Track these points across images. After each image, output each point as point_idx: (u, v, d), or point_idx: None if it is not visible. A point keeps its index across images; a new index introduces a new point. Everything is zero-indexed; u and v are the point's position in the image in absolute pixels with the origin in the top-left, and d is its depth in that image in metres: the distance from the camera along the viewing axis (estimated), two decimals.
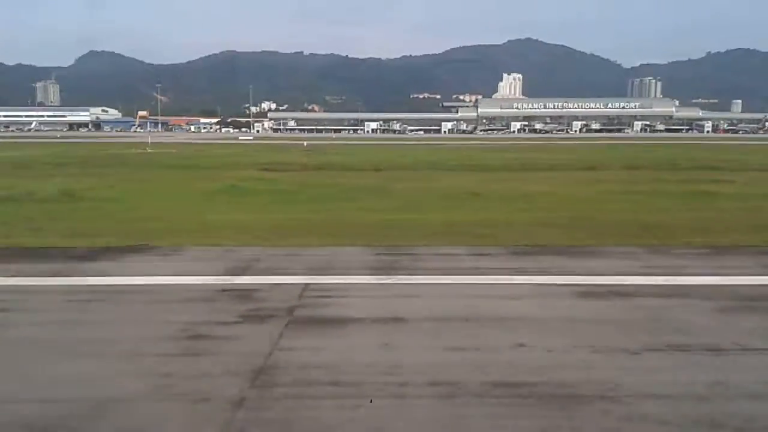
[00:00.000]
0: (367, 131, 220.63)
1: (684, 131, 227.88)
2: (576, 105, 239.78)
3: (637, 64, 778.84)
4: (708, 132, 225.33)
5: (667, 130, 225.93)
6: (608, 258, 14.19)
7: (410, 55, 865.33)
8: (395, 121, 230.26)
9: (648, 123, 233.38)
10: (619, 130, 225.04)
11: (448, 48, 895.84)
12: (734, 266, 13.32)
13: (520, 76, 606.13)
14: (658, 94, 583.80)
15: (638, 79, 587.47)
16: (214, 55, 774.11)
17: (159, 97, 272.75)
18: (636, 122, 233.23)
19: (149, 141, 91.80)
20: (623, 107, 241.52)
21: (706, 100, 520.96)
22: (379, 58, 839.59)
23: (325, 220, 20.06)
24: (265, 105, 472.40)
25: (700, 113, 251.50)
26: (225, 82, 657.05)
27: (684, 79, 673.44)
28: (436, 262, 13.46)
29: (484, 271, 12.62)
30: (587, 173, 42.01)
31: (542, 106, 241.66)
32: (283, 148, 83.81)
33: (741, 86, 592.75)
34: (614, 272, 12.57)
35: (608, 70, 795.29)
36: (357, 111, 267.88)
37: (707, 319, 9.76)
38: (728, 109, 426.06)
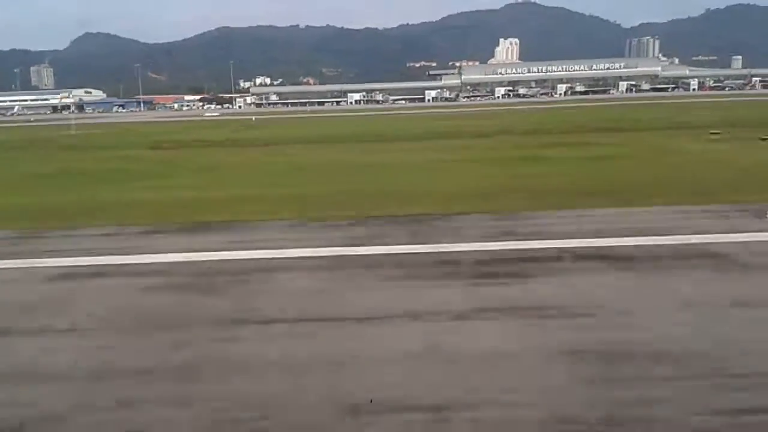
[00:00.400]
0: (351, 102, 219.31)
1: (670, 89, 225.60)
2: (560, 68, 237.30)
3: (637, 24, 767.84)
4: (694, 90, 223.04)
5: (653, 89, 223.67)
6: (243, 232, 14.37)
7: (407, 24, 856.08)
8: (378, 92, 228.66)
9: (633, 83, 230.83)
10: (605, 91, 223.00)
11: (446, 15, 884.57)
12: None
13: (516, 40, 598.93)
14: (657, 53, 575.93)
15: (636, 39, 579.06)
16: (209, 31, 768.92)
17: (145, 76, 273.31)
18: (621, 83, 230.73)
19: (95, 122, 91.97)
20: (608, 68, 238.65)
21: (706, 57, 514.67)
22: (376, 28, 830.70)
23: (76, 201, 20.33)
24: (259, 80, 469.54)
25: (687, 71, 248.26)
26: (220, 59, 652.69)
27: (684, 36, 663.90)
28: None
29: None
30: (471, 140, 41.89)
31: (526, 71, 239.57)
32: (227, 124, 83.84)
33: (741, 42, 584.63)
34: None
35: (608, 30, 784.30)
36: (353, 83, 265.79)
37: None
38: (728, 66, 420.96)
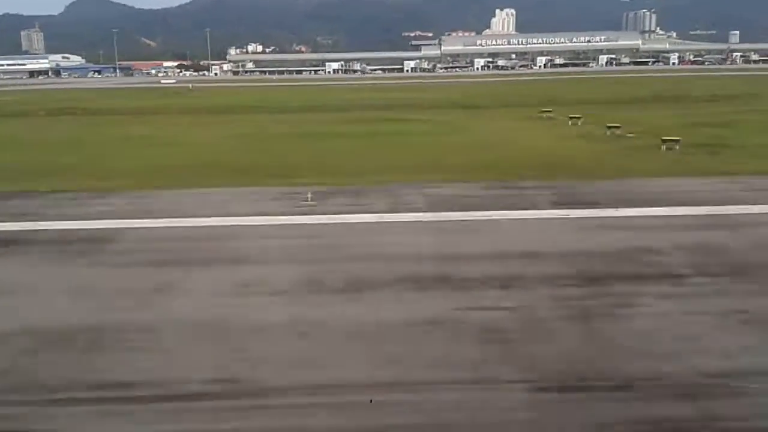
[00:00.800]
0: (328, 72, 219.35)
1: (651, 63, 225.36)
2: (540, 41, 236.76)
3: None
4: (674, 64, 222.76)
5: (634, 63, 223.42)
6: None
7: None
8: (356, 61, 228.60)
9: (613, 56, 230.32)
10: (585, 65, 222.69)
11: None
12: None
13: (513, 11, 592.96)
14: (653, 26, 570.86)
15: (633, 12, 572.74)
16: None
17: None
18: (601, 56, 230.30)
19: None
20: (588, 41, 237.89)
21: (705, 32, 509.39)
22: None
23: None
24: (251, 47, 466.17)
25: (667, 45, 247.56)
26: (214, 25, 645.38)
27: (682, 10, 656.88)
28: None
29: None
30: (332, 114, 43.82)
31: (506, 43, 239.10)
32: (165, 91, 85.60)
33: (740, 16, 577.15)
34: None
35: (608, 2, 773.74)
36: (344, 51, 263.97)
37: None
38: (726, 40, 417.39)
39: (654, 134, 28.06)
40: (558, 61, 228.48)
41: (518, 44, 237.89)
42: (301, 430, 6.92)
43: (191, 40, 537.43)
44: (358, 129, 32.32)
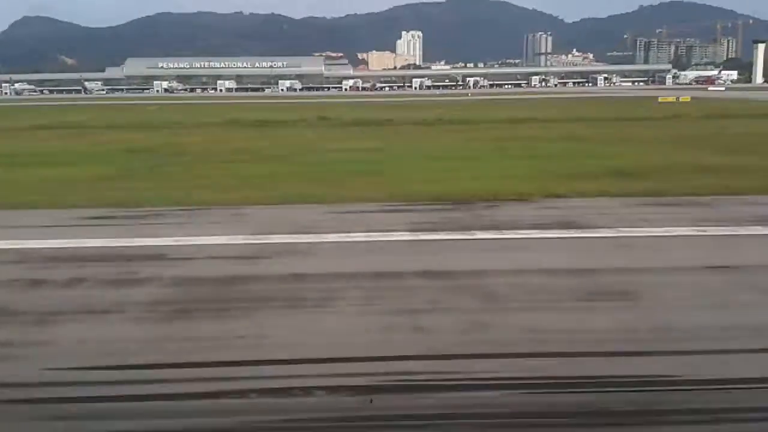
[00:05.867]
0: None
1: (326, 89, 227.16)
2: (224, 64, 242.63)
3: (579, 19, 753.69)
4: (345, 89, 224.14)
5: (307, 89, 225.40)
6: None
7: (355, 14, 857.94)
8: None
9: (293, 81, 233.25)
10: (261, 89, 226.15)
11: (392, 6, 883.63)
12: None
13: (419, 33, 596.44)
14: (548, 49, 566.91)
15: (531, 35, 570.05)
16: (150, 16, 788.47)
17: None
18: (281, 81, 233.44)
19: None
20: (271, 66, 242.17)
21: (620, 53, 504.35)
22: (324, 17, 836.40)
23: None
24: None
25: (351, 72, 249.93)
26: (148, 43, 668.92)
27: (619, 32, 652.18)
28: None
29: None
30: None
31: (188, 66, 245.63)
32: None
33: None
34: None
35: (550, 24, 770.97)
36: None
37: None
38: (633, 62, 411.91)
39: None
40: (229, 85, 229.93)
41: (203, 67, 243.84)
42: None
43: (115, 57, 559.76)
44: None
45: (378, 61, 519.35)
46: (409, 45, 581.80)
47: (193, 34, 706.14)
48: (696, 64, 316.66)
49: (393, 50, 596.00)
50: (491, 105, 77.90)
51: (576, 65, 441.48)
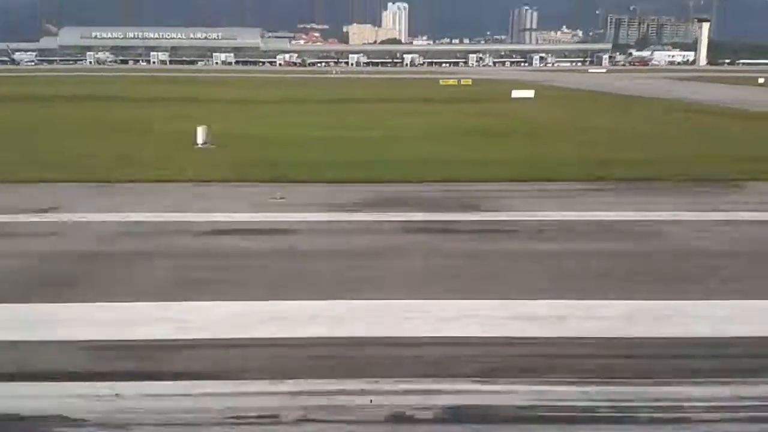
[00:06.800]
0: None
1: (260, 63, 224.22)
2: (158, 35, 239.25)
3: None
4: (280, 64, 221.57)
5: (240, 62, 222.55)
6: None
7: None
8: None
9: (228, 54, 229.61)
10: (193, 62, 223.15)
11: None
12: None
13: (405, 5, 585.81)
14: (534, 25, 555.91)
15: (517, 9, 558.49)
16: None
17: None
18: (216, 54, 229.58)
19: None
20: (205, 37, 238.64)
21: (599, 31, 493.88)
22: None
23: None
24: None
25: (288, 45, 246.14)
26: (144, 11, 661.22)
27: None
28: None
29: None
30: None
31: (122, 36, 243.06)
32: None
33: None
34: None
35: None
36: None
37: None
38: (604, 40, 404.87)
39: None
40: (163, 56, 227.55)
41: (136, 37, 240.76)
42: None
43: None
44: None
45: (359, 35, 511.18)
46: (395, 17, 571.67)
47: (188, 2, 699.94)
48: (663, 44, 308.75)
49: (378, 23, 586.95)
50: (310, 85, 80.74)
51: (563, 42, 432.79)
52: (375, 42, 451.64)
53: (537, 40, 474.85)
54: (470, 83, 74.31)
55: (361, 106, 44.10)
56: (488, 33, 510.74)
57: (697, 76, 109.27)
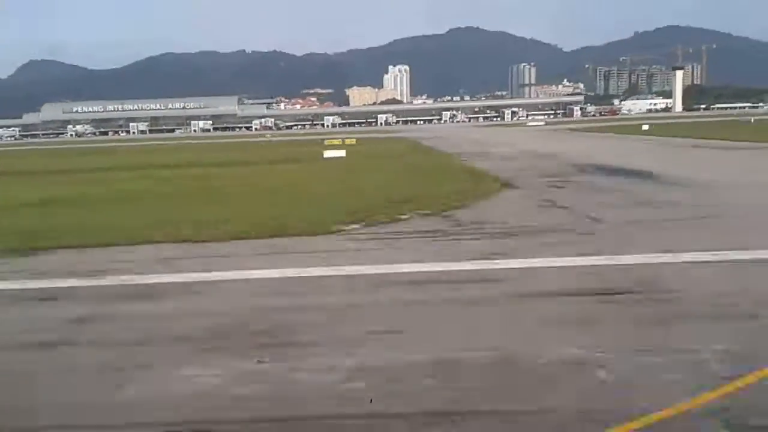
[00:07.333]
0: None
1: (237, 129, 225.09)
2: (137, 106, 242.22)
3: (577, 47, 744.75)
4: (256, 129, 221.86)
5: (220, 129, 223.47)
6: None
7: (357, 49, 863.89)
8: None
9: (206, 121, 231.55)
10: (172, 131, 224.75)
11: (392, 40, 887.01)
12: None
13: (407, 68, 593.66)
14: (532, 80, 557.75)
15: (515, 66, 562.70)
16: (153, 57, 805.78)
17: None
18: (193, 121, 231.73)
19: None
20: (184, 107, 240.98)
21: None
22: (326, 53, 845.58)
23: None
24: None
25: (265, 111, 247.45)
26: (145, 84, 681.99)
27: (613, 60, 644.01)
28: None
29: None
30: None
31: (102, 109, 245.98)
32: None
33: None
34: None
35: (548, 53, 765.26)
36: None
37: None
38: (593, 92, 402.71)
39: None
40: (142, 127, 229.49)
41: (116, 110, 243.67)
42: None
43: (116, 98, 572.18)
44: None
45: (359, 97, 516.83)
46: (396, 79, 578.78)
47: (194, 74, 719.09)
48: (652, 93, 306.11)
49: (381, 85, 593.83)
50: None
51: (562, 96, 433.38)
52: (375, 103, 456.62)
53: (537, 94, 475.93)
54: (354, 142, 70.35)
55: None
56: (494, 90, 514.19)
57: (613, 126, 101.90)
